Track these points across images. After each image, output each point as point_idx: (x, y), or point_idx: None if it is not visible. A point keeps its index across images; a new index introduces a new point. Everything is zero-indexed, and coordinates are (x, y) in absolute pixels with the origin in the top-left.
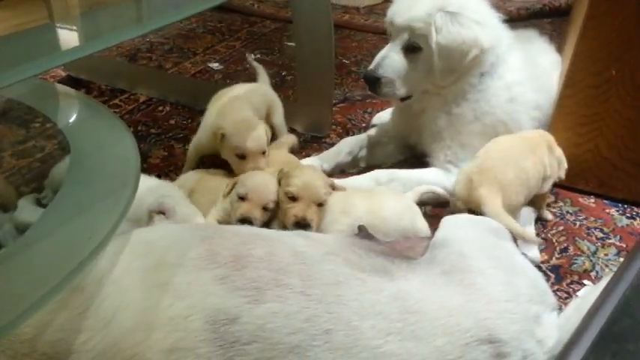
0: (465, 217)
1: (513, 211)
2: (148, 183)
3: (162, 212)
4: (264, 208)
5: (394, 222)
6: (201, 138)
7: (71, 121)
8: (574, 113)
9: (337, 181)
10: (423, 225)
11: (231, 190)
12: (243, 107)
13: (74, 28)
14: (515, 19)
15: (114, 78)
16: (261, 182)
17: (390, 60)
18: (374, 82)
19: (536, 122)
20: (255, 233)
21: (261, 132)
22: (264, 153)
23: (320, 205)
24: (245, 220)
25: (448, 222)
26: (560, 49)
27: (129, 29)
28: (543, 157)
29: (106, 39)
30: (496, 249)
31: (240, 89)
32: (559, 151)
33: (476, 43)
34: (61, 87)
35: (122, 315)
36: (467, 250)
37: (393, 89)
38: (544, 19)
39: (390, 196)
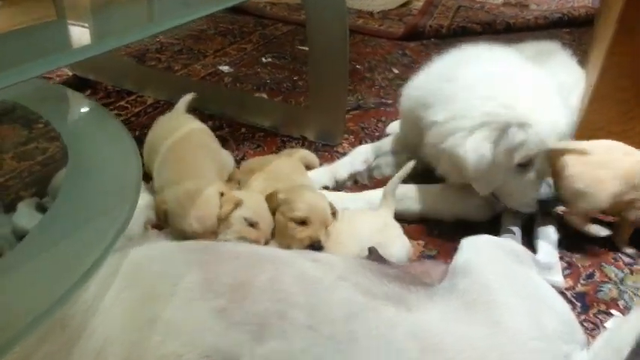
0: (485, 240)
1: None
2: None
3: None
4: None
5: (354, 249)
6: None
7: (72, 127)
8: (601, 129)
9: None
10: (399, 252)
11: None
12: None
13: (85, 25)
14: (534, 28)
15: (121, 79)
16: (266, 211)
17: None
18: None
19: None
20: (257, 254)
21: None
22: None
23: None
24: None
25: (468, 245)
26: (581, 62)
27: (141, 29)
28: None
29: (117, 38)
30: (522, 279)
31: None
32: None
33: None
34: (63, 89)
35: (110, 350)
36: (491, 280)
37: None
38: (562, 29)
39: (357, 217)
